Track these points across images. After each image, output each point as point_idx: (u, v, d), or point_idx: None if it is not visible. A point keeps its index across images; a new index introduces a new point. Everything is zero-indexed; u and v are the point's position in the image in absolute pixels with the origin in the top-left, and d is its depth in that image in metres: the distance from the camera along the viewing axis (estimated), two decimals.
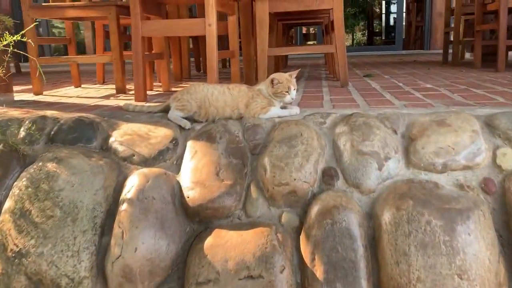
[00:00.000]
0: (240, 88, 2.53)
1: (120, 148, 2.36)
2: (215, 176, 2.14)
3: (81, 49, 11.25)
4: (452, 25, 5.78)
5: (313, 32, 11.94)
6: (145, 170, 2.21)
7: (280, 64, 6.08)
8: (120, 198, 2.08)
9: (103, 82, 4.86)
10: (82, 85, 4.68)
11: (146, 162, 2.30)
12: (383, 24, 14.86)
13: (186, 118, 2.50)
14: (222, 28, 3.45)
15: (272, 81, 2.42)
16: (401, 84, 3.77)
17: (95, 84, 4.82)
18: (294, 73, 2.49)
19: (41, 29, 11.33)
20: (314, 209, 1.95)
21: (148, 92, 3.76)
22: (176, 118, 2.50)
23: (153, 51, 3.94)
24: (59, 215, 2.02)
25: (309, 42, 12.52)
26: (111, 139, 2.43)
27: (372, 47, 12.83)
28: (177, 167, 2.29)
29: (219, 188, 2.08)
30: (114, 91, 3.88)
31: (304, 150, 2.13)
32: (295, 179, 2.04)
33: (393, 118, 2.27)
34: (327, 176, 2.08)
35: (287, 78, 2.44)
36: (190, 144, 2.35)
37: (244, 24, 3.91)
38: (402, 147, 2.13)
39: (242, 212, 2.08)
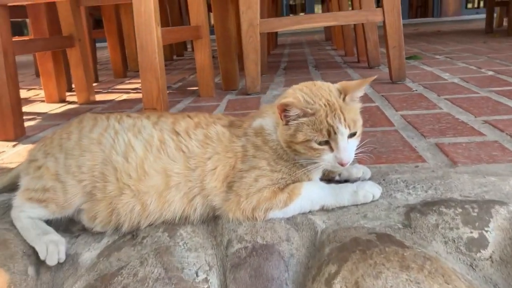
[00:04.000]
0: (209, 128, 0.90)
1: None
2: None
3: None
4: None
5: (301, 3, 10.15)
6: None
7: (270, 43, 4.42)
8: None
9: None
10: None
11: None
12: None
13: (49, 222, 0.87)
14: None
15: (283, 108, 0.81)
16: (489, 73, 2.18)
17: None
18: (357, 85, 0.84)
19: None
20: None
21: (53, 107, 2.09)
22: (25, 227, 0.87)
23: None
24: None
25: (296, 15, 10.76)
26: None
27: None
28: None
29: None
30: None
31: None
32: None
33: None
34: None
35: (327, 101, 0.81)
36: None
37: None
38: None
39: None
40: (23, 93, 2.72)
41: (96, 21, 4.10)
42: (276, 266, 0.77)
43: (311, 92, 0.83)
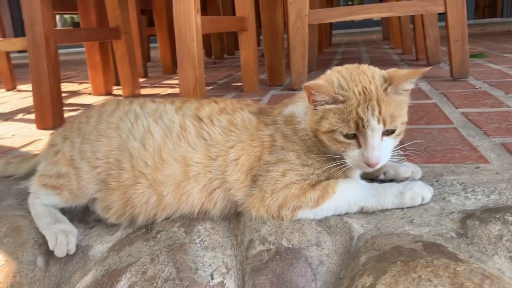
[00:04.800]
0: (235, 114, 0.80)
1: None
2: None
3: None
4: None
5: (359, 3, 9.88)
6: None
7: (323, 42, 4.27)
8: None
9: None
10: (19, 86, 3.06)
11: None
12: None
13: (64, 211, 0.81)
14: None
15: (310, 92, 0.70)
16: None
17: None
18: (406, 76, 0.70)
19: None
20: None
21: (98, 99, 2.09)
22: (39, 214, 0.82)
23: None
24: None
25: None
26: None
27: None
28: None
29: None
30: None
31: None
32: None
33: None
34: None
35: (364, 88, 0.69)
36: None
37: None
38: None
39: None
40: (74, 87, 2.78)
41: (152, 21, 4.15)
42: (302, 273, 0.66)
43: (349, 76, 0.72)
